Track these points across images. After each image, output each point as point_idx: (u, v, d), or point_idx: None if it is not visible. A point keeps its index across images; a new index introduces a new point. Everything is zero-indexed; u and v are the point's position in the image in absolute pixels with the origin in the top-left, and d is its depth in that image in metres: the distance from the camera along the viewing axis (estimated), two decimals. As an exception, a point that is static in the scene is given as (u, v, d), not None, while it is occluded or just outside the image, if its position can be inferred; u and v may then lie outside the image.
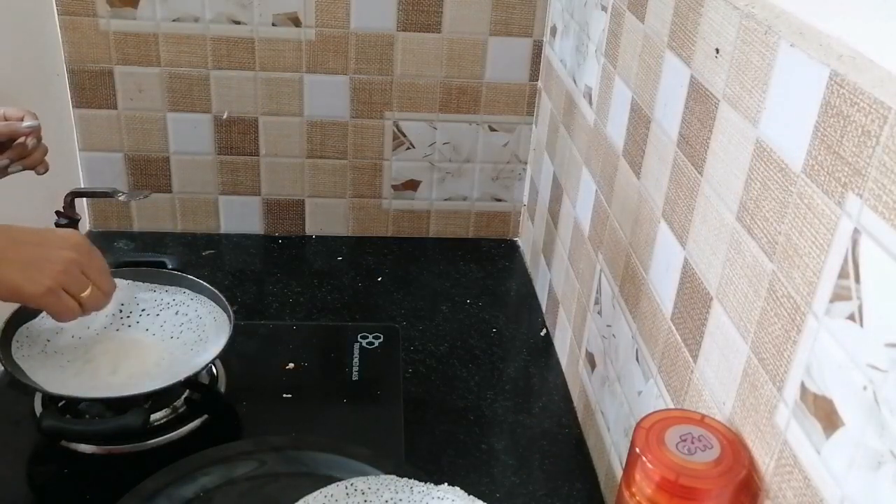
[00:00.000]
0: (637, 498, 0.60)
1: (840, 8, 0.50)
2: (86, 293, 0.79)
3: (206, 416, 0.92)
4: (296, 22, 1.23)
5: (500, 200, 1.40)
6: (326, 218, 1.38)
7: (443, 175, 1.36)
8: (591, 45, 1.01)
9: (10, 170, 0.92)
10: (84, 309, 0.80)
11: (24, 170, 0.93)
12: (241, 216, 1.36)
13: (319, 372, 1.05)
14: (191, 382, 0.91)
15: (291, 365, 1.04)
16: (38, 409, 0.90)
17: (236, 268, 1.29)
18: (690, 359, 0.69)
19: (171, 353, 0.92)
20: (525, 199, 1.39)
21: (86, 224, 1.33)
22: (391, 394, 1.01)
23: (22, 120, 0.92)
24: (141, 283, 0.98)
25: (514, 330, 1.19)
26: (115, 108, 1.26)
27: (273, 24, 1.22)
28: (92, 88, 1.24)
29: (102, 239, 1.32)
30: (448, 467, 0.92)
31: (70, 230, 0.81)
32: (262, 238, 1.38)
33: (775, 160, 0.56)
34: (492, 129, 1.33)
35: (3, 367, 0.87)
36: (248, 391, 0.99)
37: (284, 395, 0.99)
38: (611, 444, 0.89)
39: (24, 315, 0.92)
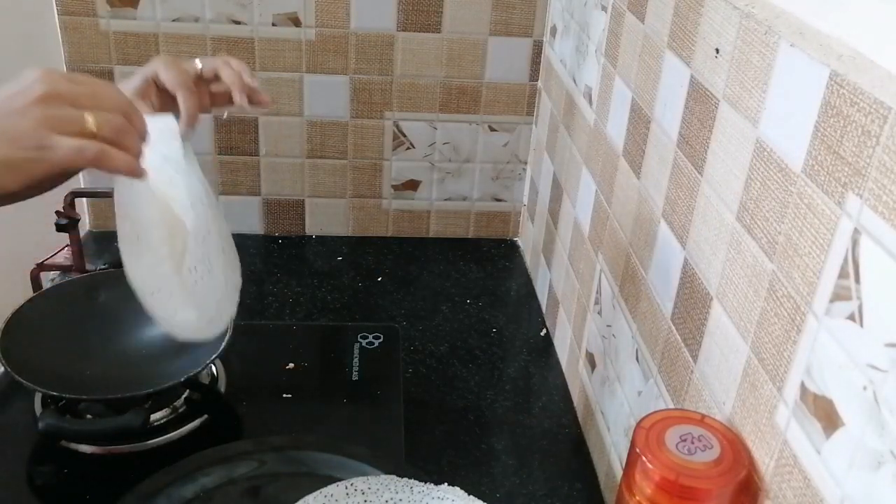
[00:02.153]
0: (637, 498, 0.60)
1: (840, 8, 0.50)
2: (90, 121, 0.60)
3: (206, 416, 0.92)
4: (296, 22, 1.23)
5: (500, 200, 1.40)
6: (326, 218, 1.38)
7: (443, 175, 1.36)
8: (591, 45, 1.01)
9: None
10: (107, 139, 0.60)
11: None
12: (241, 216, 1.36)
13: (319, 372, 1.05)
14: (191, 382, 0.91)
15: (291, 365, 1.04)
16: (38, 409, 0.90)
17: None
18: (690, 359, 0.69)
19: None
20: (525, 199, 1.39)
21: (86, 224, 1.33)
22: (391, 394, 1.01)
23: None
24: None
25: (514, 330, 1.19)
26: (115, 108, 1.26)
27: (273, 24, 1.22)
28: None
29: (102, 239, 1.32)
30: (448, 467, 0.92)
31: (30, 70, 0.61)
32: (262, 238, 1.38)
33: (775, 160, 0.56)
34: (492, 129, 1.33)
35: (3, 368, 0.87)
36: (248, 391, 0.99)
37: (284, 395, 0.99)
38: (611, 444, 0.89)
39: (27, 314, 0.91)
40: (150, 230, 0.73)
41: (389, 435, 0.94)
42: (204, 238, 0.75)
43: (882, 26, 0.46)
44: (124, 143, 0.61)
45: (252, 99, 0.85)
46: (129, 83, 0.80)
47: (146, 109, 0.78)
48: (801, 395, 0.52)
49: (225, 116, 1.28)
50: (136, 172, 0.62)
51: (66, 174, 0.62)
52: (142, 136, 0.63)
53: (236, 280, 0.81)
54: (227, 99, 0.85)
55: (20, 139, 0.57)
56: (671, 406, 0.73)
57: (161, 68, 0.79)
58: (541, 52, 1.28)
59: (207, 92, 0.85)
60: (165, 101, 0.81)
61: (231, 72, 0.83)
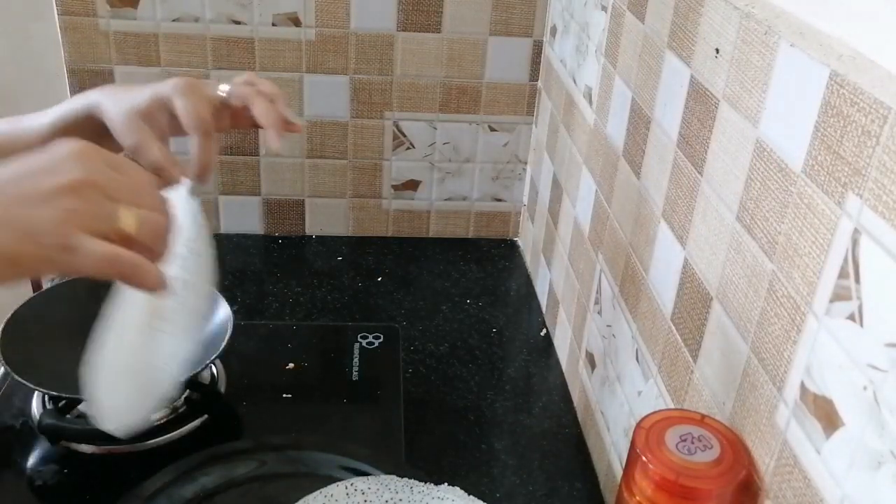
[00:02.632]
0: (637, 498, 0.60)
1: (840, 8, 0.50)
2: (128, 222, 0.49)
3: (206, 416, 0.92)
4: (296, 22, 1.23)
5: (500, 200, 1.40)
6: (326, 218, 1.38)
7: (443, 175, 1.36)
8: (591, 45, 1.01)
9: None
10: (144, 245, 0.50)
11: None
12: (241, 216, 1.36)
13: (319, 372, 1.05)
14: (191, 382, 0.91)
15: (291, 365, 1.04)
16: (38, 409, 0.90)
17: (236, 268, 1.29)
18: (690, 359, 0.69)
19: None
20: (525, 199, 1.39)
21: (86, 224, 1.33)
22: (391, 394, 1.01)
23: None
24: None
25: (514, 330, 1.19)
26: (115, 108, 1.26)
27: (273, 24, 1.22)
28: (92, 88, 1.24)
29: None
30: (448, 467, 0.92)
31: (68, 139, 0.50)
32: (262, 238, 1.38)
33: (775, 160, 0.56)
34: (492, 129, 1.33)
35: (3, 368, 0.87)
36: (248, 391, 0.99)
37: (284, 395, 0.99)
38: (611, 444, 0.89)
39: (27, 314, 0.91)
40: (126, 327, 0.64)
41: (389, 435, 0.94)
42: (178, 289, 0.63)
43: (882, 26, 0.46)
44: (159, 250, 0.51)
45: (285, 129, 0.73)
46: (136, 97, 0.69)
47: (153, 136, 0.68)
48: (801, 395, 0.52)
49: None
50: (162, 289, 0.51)
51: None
52: (172, 238, 0.53)
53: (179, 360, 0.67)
54: (251, 122, 0.72)
55: (39, 234, 0.46)
56: (671, 406, 0.73)
57: (177, 96, 0.67)
58: (541, 52, 1.28)
59: (229, 114, 0.73)
60: (177, 127, 0.69)
61: (266, 107, 0.70)
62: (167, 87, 0.68)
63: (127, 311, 0.63)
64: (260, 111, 0.70)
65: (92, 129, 0.69)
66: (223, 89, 0.71)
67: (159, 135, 0.68)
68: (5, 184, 0.47)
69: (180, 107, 0.67)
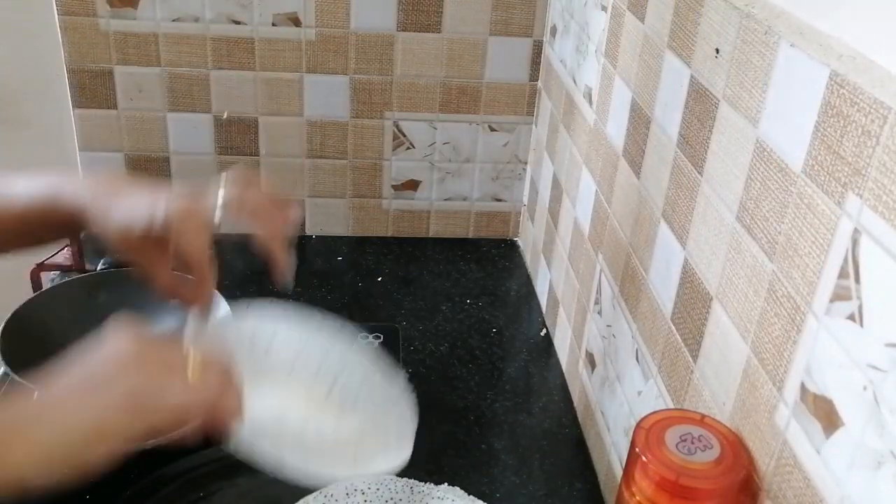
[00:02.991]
0: (637, 498, 0.60)
1: (840, 8, 0.50)
2: (189, 366, 0.56)
3: (206, 416, 0.92)
4: (296, 22, 1.23)
5: (500, 200, 1.40)
6: (326, 218, 1.38)
7: (443, 175, 1.36)
8: (591, 45, 1.01)
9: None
10: (215, 385, 0.57)
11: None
12: (241, 216, 1.36)
13: (319, 372, 1.04)
14: (191, 382, 0.91)
15: (291, 365, 1.04)
16: (38, 409, 0.90)
17: (237, 268, 1.29)
18: (690, 359, 0.69)
19: None
20: (525, 199, 1.39)
21: (86, 224, 1.33)
22: (391, 394, 1.01)
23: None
24: None
25: (514, 330, 1.19)
26: (115, 108, 1.26)
27: (273, 24, 1.22)
28: (92, 88, 1.24)
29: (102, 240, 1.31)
30: (448, 467, 0.92)
31: (105, 337, 0.57)
32: (262, 238, 1.38)
33: (775, 160, 0.56)
34: (492, 129, 1.33)
35: (3, 368, 0.87)
36: (248, 391, 0.99)
37: (284, 395, 0.99)
38: (611, 444, 0.89)
39: (27, 314, 0.91)
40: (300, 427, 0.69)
41: (389, 435, 0.94)
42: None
43: (882, 26, 0.46)
44: (230, 388, 0.57)
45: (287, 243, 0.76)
46: (130, 214, 0.67)
47: (157, 260, 0.69)
48: (801, 395, 0.52)
49: (225, 116, 1.28)
50: (241, 419, 0.58)
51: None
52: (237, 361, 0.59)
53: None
54: None
55: (120, 407, 0.53)
56: (671, 406, 0.73)
57: (174, 231, 0.67)
58: (541, 52, 1.28)
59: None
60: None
61: (264, 235, 0.74)
62: (161, 216, 0.67)
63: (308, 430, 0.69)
64: (265, 234, 0.74)
65: (64, 224, 0.70)
66: (218, 207, 0.71)
67: (161, 254, 0.69)
68: (74, 382, 0.54)
69: (179, 244, 0.67)
